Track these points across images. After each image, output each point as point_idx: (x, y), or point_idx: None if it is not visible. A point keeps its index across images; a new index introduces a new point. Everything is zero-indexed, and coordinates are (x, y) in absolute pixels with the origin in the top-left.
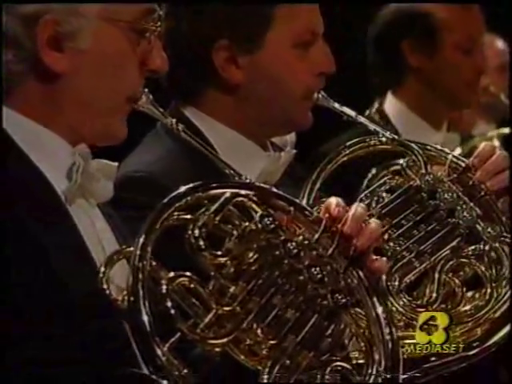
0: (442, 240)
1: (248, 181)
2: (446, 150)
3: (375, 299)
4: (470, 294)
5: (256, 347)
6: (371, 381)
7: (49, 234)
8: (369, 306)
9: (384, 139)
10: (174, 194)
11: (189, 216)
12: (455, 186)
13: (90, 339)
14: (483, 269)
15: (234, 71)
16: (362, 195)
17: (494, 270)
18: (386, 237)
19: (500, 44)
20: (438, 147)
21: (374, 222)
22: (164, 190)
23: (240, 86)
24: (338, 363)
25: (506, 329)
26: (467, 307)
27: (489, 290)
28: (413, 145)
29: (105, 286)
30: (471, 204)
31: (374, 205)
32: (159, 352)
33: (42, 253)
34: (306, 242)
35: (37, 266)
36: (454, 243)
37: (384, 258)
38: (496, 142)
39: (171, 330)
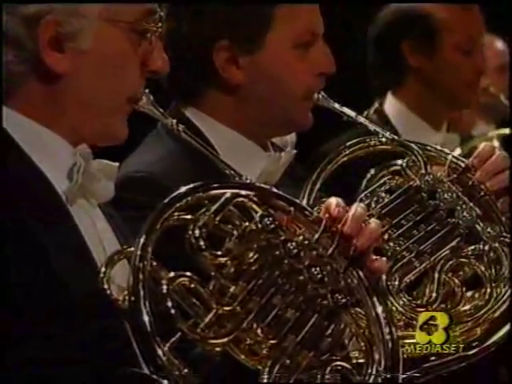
0: (442, 240)
1: (248, 181)
2: (446, 150)
3: (375, 299)
4: (469, 293)
5: (256, 347)
6: (371, 380)
7: (49, 234)
8: (369, 306)
9: (384, 139)
10: (174, 194)
11: (189, 216)
12: (455, 186)
13: (91, 339)
14: (483, 269)
15: (234, 71)
16: (362, 195)
17: (493, 270)
18: (386, 237)
19: (500, 44)
20: (438, 147)
21: (373, 222)
22: (165, 191)
23: (240, 86)
24: (338, 363)
25: (506, 328)
26: (467, 307)
27: (488, 290)
28: (412, 145)
29: (105, 286)
30: (471, 204)
31: (373, 205)
32: (160, 352)
33: (42, 253)
34: (306, 242)
35: (37, 266)
36: (453, 243)
37: (384, 258)
38: (496, 143)
39: (172, 329)
